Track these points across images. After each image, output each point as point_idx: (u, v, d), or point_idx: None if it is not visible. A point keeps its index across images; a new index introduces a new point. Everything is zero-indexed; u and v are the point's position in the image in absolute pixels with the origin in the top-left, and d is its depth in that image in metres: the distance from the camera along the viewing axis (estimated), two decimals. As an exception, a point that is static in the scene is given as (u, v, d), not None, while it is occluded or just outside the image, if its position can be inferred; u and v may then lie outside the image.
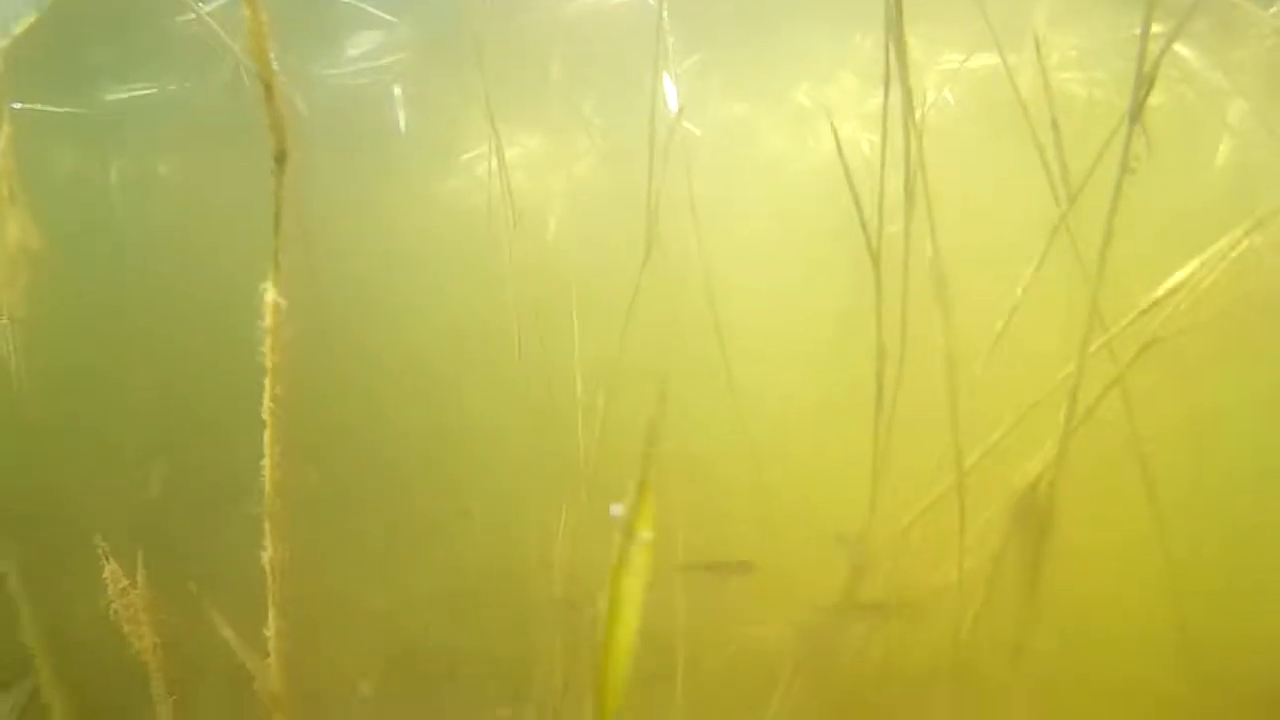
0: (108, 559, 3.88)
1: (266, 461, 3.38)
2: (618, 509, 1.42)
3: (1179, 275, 4.46)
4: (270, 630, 3.60)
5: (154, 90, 6.89)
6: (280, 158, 3.08)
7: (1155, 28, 3.95)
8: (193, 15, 6.26)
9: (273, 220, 3.21)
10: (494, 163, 5.98)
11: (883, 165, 4.24)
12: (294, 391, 3.34)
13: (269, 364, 3.30)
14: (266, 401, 3.34)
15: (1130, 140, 3.95)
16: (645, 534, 1.38)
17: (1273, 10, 5.68)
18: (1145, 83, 3.87)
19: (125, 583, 4.01)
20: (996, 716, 4.80)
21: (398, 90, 7.40)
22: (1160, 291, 4.47)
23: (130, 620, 4.02)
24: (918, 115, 4.21)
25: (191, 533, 5.29)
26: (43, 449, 6.03)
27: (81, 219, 7.04)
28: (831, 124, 4.36)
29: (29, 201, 5.47)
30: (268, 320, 3.29)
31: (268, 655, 3.69)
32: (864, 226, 4.25)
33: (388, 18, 7.45)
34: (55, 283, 5.62)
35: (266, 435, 3.36)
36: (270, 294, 3.29)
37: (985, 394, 4.59)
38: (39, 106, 6.38)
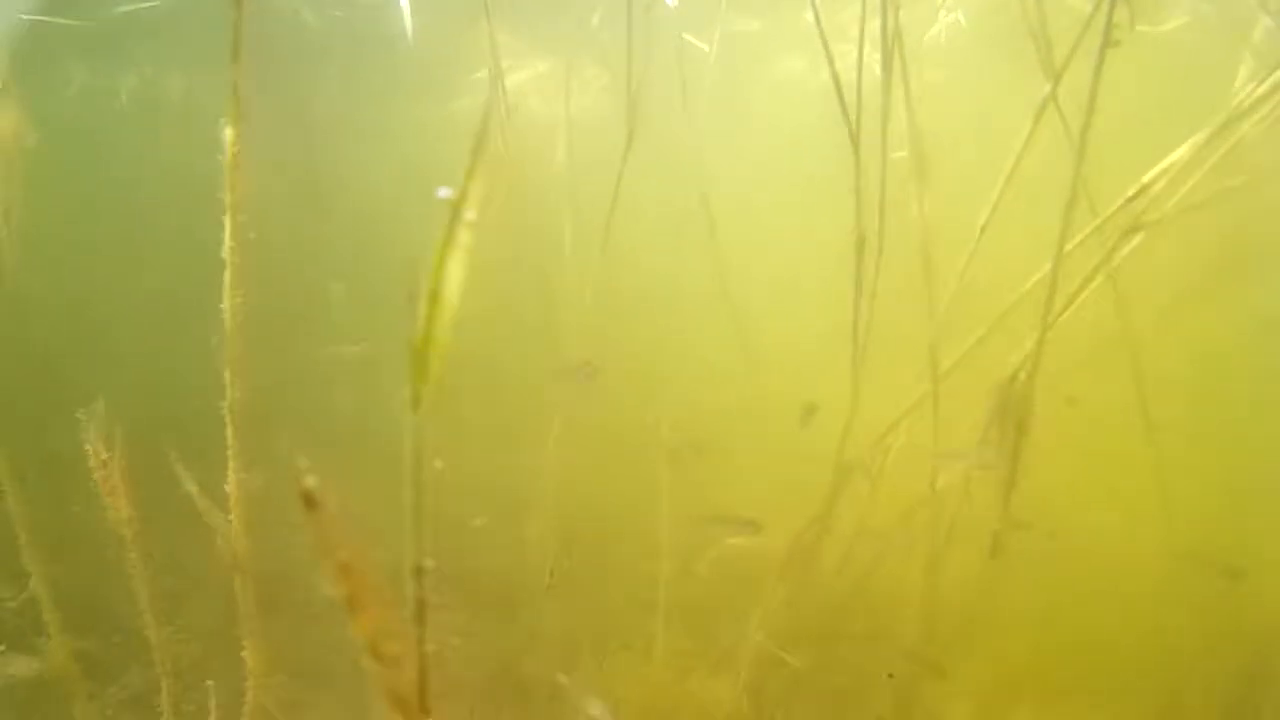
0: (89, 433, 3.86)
1: (227, 304, 3.36)
2: (445, 191, 1.43)
3: (1170, 159, 4.35)
4: (230, 484, 3.58)
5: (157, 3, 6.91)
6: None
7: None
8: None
9: (231, 51, 3.20)
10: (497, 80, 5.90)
11: (861, 40, 4.17)
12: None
13: (228, 200, 3.28)
14: (227, 240, 3.31)
15: (1112, 10, 3.87)
16: (470, 214, 1.38)
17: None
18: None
19: (105, 455, 4.00)
20: (993, 592, 4.73)
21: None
22: (1148, 176, 4.37)
23: (110, 492, 4.02)
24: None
25: (164, 393, 5.30)
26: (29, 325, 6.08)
27: (81, 123, 7.06)
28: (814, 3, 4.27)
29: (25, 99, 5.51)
30: (227, 156, 3.28)
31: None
32: (843, 107, 4.19)
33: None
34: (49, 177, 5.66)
35: (227, 275, 3.34)
36: (229, 130, 3.27)
37: (970, 281, 4.51)
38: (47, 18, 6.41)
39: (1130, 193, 4.34)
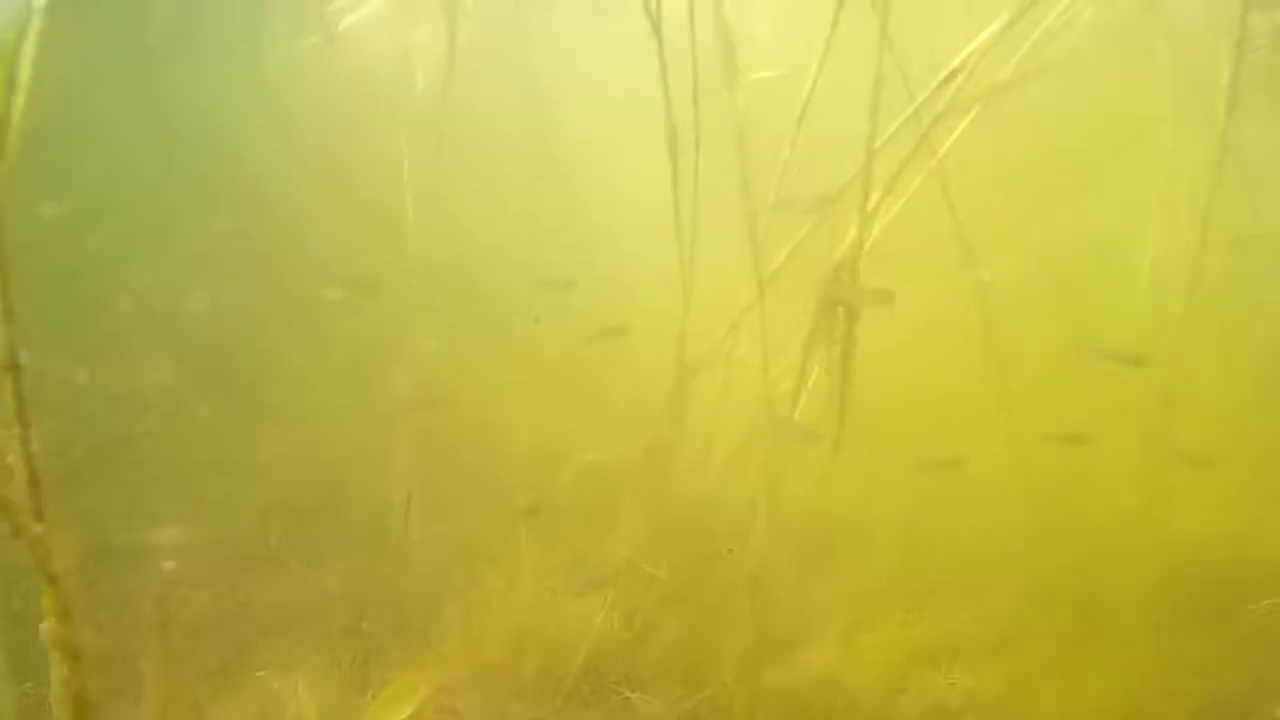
0: None
1: None
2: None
3: (977, 41, 4.38)
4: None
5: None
6: None
7: None
8: None
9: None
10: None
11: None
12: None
13: None
14: None
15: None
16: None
17: None
18: None
19: None
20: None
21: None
22: (959, 59, 4.39)
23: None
24: None
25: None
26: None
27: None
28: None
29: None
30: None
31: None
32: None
33: None
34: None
35: None
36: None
37: (793, 174, 4.51)
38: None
39: (942, 76, 4.34)
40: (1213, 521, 5.34)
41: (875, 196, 4.35)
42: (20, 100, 1.35)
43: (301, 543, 5.85)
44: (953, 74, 4.39)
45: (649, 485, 5.07)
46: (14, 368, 1.40)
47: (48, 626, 1.71)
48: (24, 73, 1.33)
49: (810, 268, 4.52)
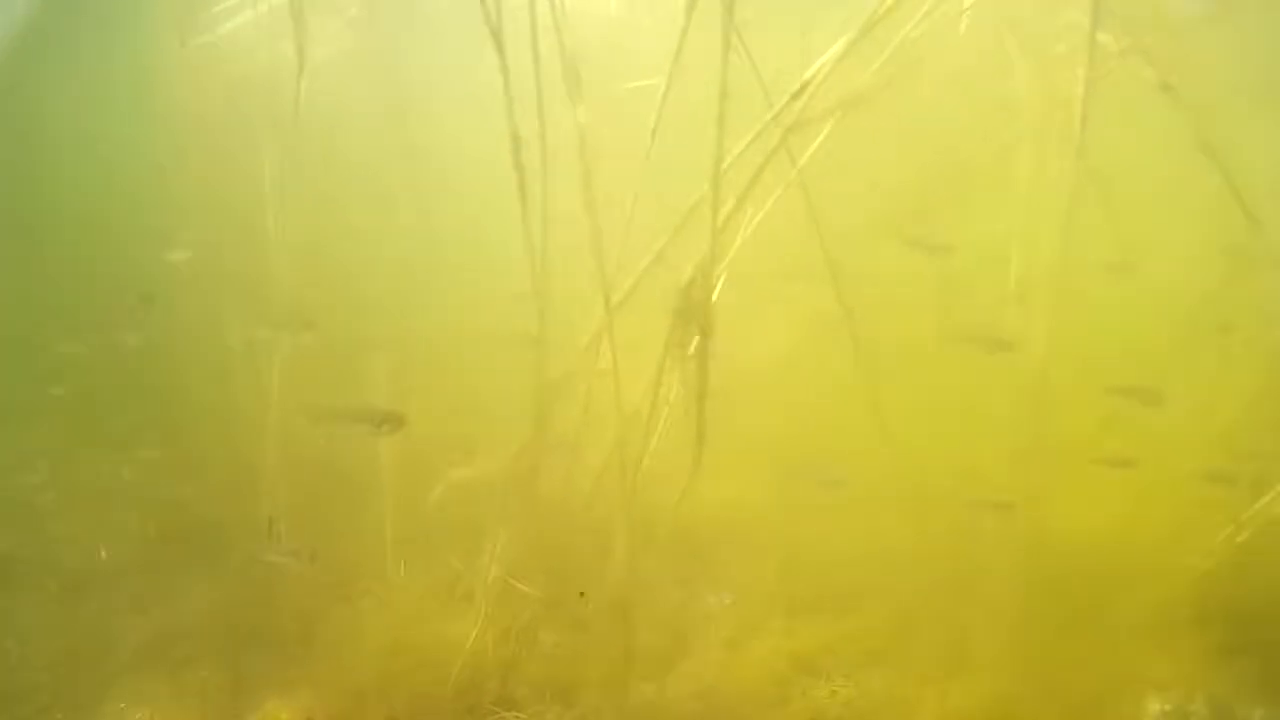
0: None
1: None
2: None
3: (825, 56, 4.36)
4: None
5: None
6: None
7: None
8: None
9: None
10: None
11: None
12: None
13: None
14: None
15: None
16: None
17: None
18: None
19: None
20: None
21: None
22: (810, 72, 4.36)
23: None
24: None
25: None
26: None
27: None
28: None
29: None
30: None
31: None
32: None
33: None
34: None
35: None
36: None
37: (647, 186, 4.47)
38: None
39: (794, 88, 4.31)
40: (1087, 520, 5.36)
41: (725, 210, 4.28)
42: None
43: (170, 569, 5.74)
44: (805, 86, 4.34)
45: (517, 503, 4.97)
46: None
47: None
48: None
49: (663, 283, 4.45)
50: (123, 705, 5.00)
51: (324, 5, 5.19)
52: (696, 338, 4.46)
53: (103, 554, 5.58)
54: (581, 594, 4.93)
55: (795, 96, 4.40)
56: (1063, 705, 4.97)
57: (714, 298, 4.50)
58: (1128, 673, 5.23)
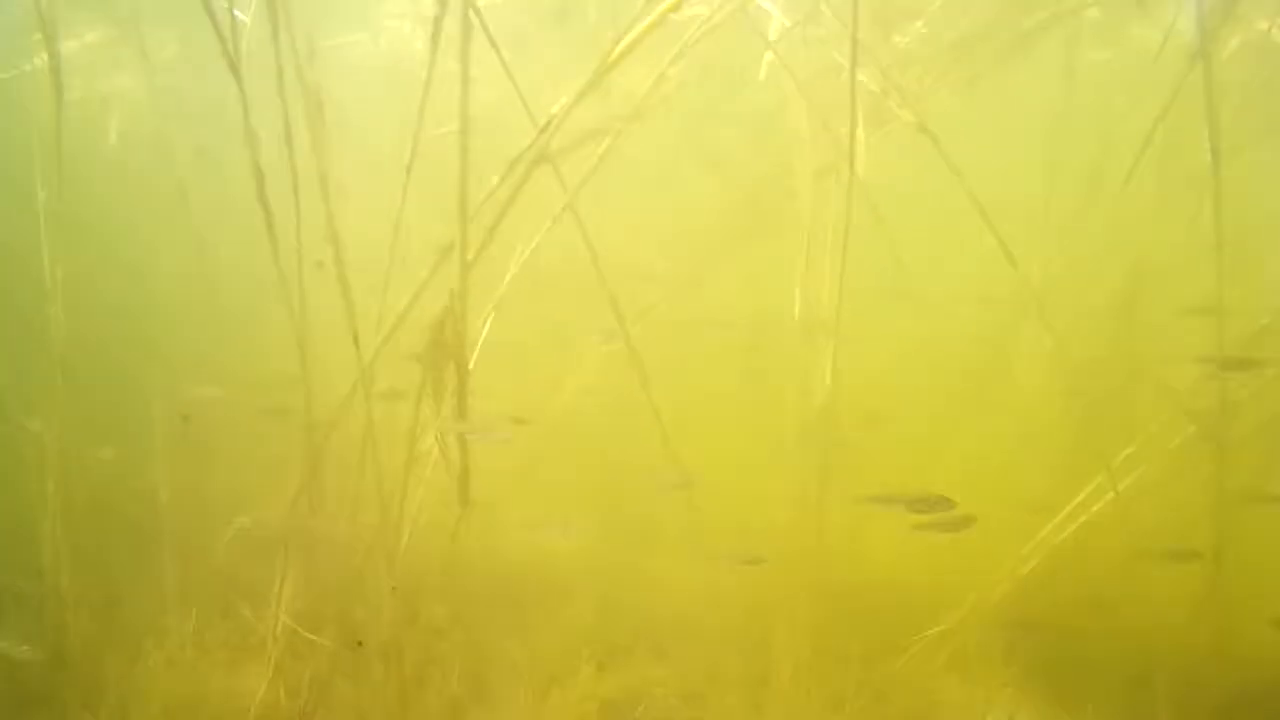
0: None
1: None
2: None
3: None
4: None
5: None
6: None
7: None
8: None
9: None
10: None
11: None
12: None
13: None
14: None
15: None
16: None
17: None
18: None
19: None
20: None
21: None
22: (559, 105, 4.36)
23: None
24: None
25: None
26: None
27: None
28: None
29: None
30: None
31: None
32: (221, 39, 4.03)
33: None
34: None
35: None
36: None
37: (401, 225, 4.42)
38: None
39: (541, 124, 4.29)
40: (880, 559, 5.37)
41: (475, 246, 4.24)
42: None
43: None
44: (552, 120, 4.33)
45: (298, 551, 4.84)
46: None
47: None
48: None
49: (417, 326, 4.40)
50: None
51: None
52: (454, 378, 4.38)
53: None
54: (360, 643, 4.79)
55: (543, 130, 4.35)
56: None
57: (480, 337, 4.45)
58: (934, 696, 5.24)
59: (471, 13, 4.02)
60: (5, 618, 5.36)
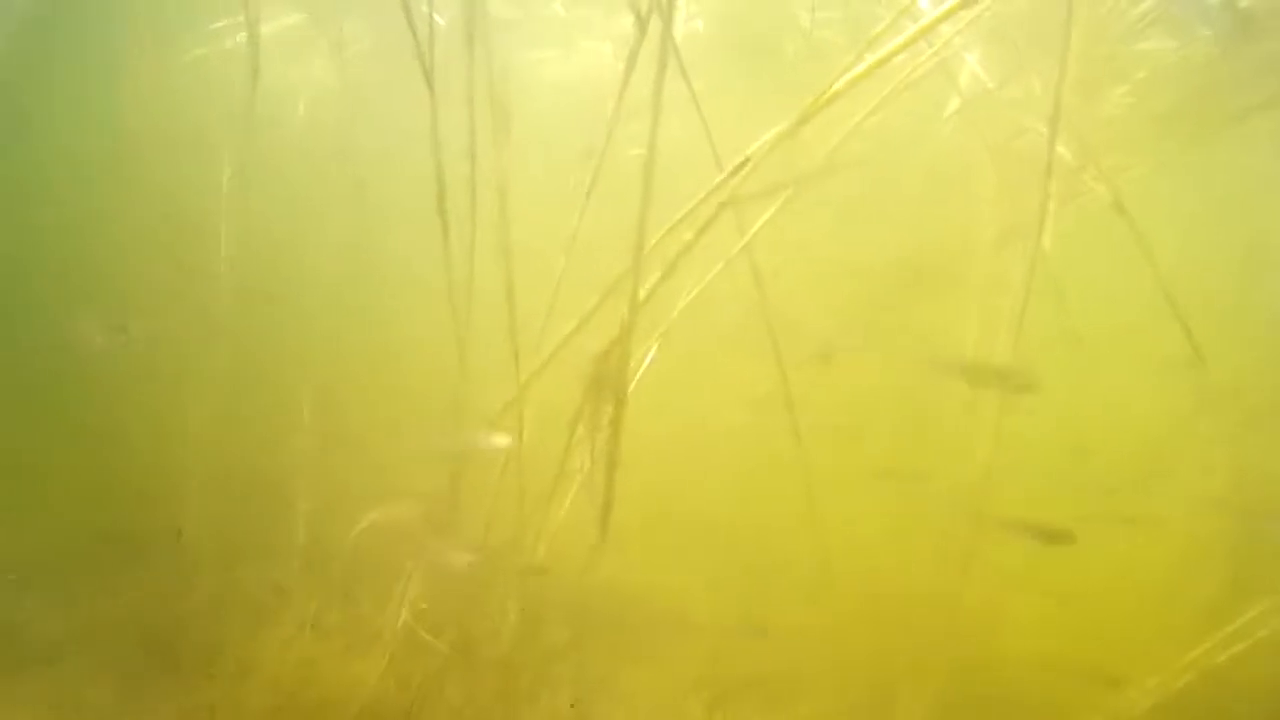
0: None
1: None
2: None
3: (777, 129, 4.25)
4: None
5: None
6: None
7: None
8: None
9: None
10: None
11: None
12: None
13: None
14: None
15: None
16: None
17: None
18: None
19: None
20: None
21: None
22: (755, 146, 4.26)
23: None
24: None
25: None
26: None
27: None
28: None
29: None
30: None
31: None
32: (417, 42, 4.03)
33: None
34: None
35: None
36: None
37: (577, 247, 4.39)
38: None
39: (728, 164, 4.19)
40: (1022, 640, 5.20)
41: (651, 281, 4.17)
42: None
43: (84, 571, 5.70)
44: (743, 164, 4.22)
45: (431, 555, 4.85)
46: None
47: None
48: None
49: (583, 351, 4.35)
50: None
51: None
52: (610, 409, 4.32)
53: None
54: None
55: (735, 171, 4.25)
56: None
57: (640, 369, 4.39)
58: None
59: (670, 43, 3.90)
60: (140, 573, 5.50)
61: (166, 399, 5.35)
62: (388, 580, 5.06)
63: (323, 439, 5.34)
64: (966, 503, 4.88)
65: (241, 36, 5.02)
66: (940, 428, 5.14)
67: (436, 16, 4.16)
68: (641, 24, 4.07)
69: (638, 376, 4.53)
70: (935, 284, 5.27)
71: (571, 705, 5.23)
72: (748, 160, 4.32)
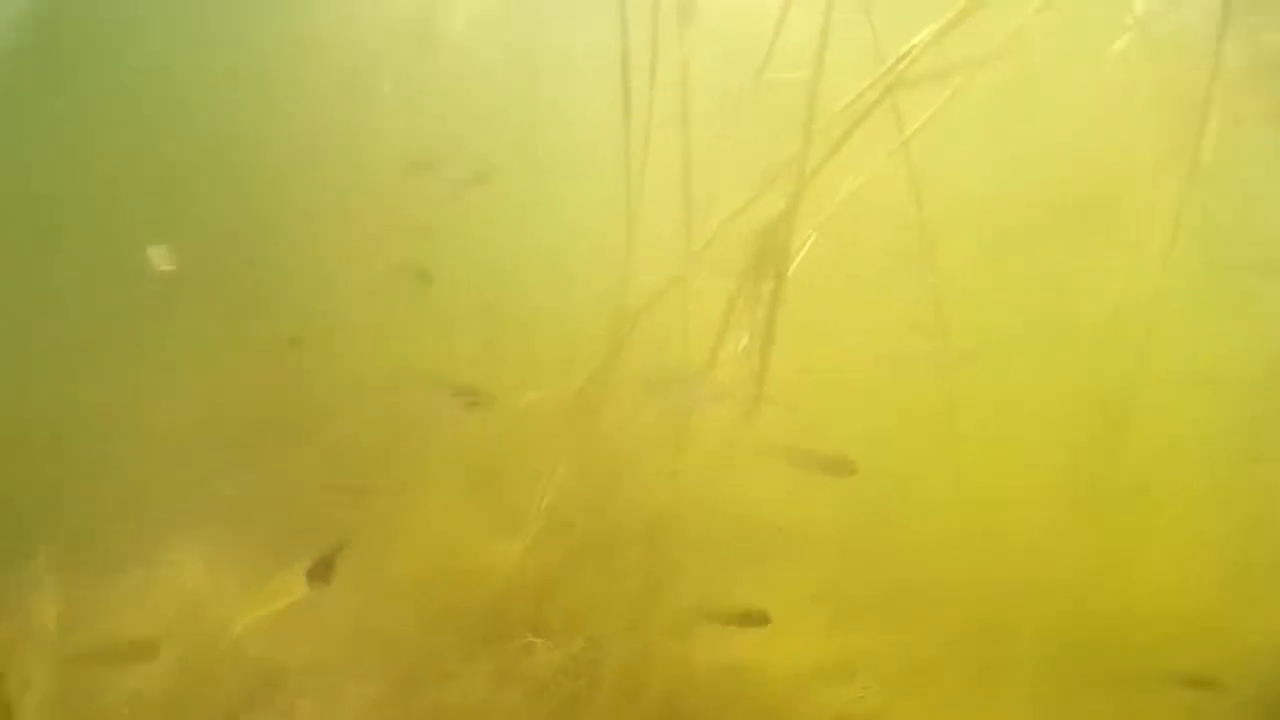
0: None
1: None
2: None
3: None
4: None
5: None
6: None
7: None
8: None
9: None
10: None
11: None
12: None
13: None
14: None
15: None
16: None
17: None
18: None
19: None
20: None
21: None
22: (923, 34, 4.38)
23: None
24: None
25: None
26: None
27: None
28: None
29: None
30: None
31: None
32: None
33: None
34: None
35: None
36: None
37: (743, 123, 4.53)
38: None
39: (902, 50, 4.32)
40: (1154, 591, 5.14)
41: (814, 161, 4.31)
42: None
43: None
44: (917, 46, 4.35)
45: (576, 433, 5.00)
46: None
47: None
48: None
49: (747, 229, 4.49)
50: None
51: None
52: (771, 283, 4.46)
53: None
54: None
55: (900, 59, 4.37)
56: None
57: (799, 252, 4.51)
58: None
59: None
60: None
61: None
62: (534, 461, 5.18)
63: (483, 315, 5.47)
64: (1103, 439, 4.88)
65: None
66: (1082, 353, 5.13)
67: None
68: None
69: (797, 259, 4.66)
70: (1087, 205, 5.26)
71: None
72: (912, 49, 4.44)
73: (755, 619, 4.87)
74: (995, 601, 5.09)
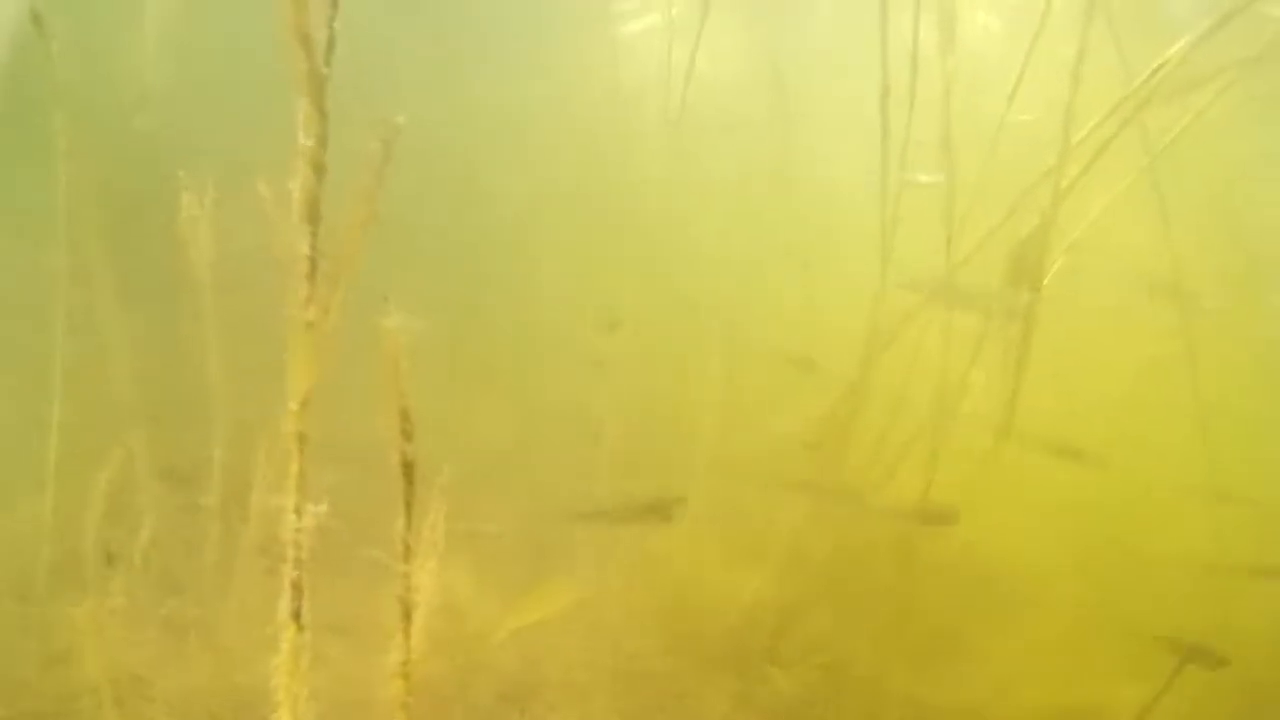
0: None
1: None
2: None
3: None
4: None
5: None
6: None
7: None
8: None
9: None
10: None
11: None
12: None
13: None
14: None
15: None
16: None
17: None
18: None
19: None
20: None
21: None
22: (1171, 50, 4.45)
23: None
24: None
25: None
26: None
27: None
28: None
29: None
30: None
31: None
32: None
33: None
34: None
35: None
36: None
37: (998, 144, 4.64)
38: None
39: (1155, 65, 4.41)
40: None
41: (1068, 179, 4.38)
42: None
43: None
44: (1166, 63, 4.42)
45: (822, 460, 5.07)
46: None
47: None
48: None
49: (1003, 246, 4.57)
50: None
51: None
52: (1025, 298, 4.51)
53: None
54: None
55: (1154, 72, 4.44)
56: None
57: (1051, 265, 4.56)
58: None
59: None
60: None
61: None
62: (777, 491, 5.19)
63: (728, 340, 5.61)
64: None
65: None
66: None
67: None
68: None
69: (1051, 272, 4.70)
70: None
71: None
72: (1165, 63, 4.50)
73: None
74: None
